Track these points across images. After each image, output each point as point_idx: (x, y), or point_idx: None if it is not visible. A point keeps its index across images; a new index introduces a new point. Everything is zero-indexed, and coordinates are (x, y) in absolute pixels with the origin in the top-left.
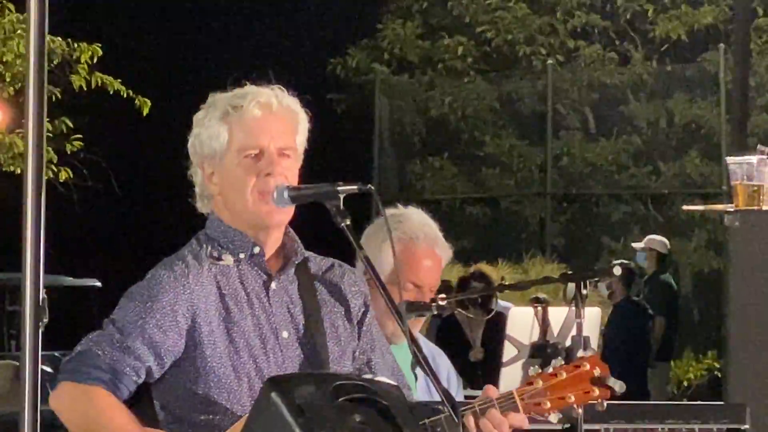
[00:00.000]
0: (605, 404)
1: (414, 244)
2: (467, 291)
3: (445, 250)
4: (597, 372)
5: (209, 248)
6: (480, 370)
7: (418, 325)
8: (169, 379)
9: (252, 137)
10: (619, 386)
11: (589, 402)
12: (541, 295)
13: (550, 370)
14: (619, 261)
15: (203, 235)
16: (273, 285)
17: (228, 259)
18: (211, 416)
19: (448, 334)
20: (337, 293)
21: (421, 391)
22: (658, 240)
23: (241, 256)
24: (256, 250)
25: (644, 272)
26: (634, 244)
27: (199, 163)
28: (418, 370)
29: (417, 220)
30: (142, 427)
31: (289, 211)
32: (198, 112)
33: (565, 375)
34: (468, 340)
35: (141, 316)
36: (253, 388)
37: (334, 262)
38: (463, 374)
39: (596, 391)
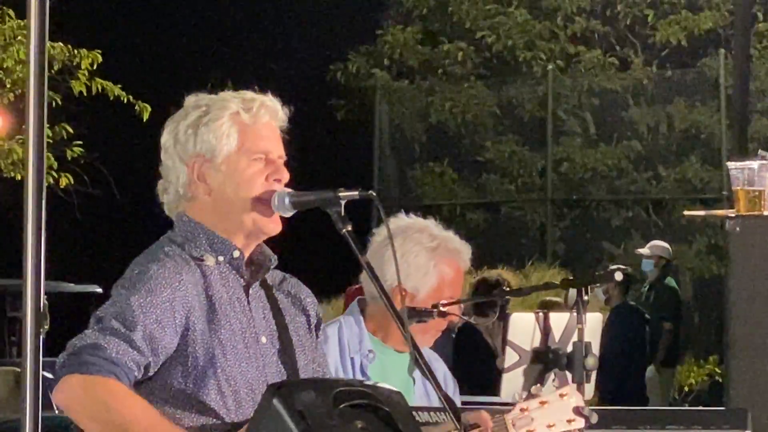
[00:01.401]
0: None
1: (459, 262)
2: (472, 296)
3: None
4: (575, 401)
5: (188, 249)
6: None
7: (430, 339)
8: (158, 377)
9: (262, 142)
10: (594, 417)
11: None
12: (555, 298)
13: (541, 398)
14: (616, 266)
15: (176, 237)
16: (251, 290)
17: (210, 260)
18: (196, 416)
19: (468, 342)
20: (296, 303)
21: (418, 395)
22: (662, 246)
23: (220, 258)
24: (236, 254)
25: (645, 277)
26: (640, 250)
27: (187, 161)
28: (416, 375)
29: (454, 236)
30: (161, 415)
31: (281, 222)
32: (189, 111)
33: (551, 404)
34: (491, 347)
35: (142, 311)
36: (238, 392)
37: (284, 274)
38: (490, 382)
39: (576, 421)
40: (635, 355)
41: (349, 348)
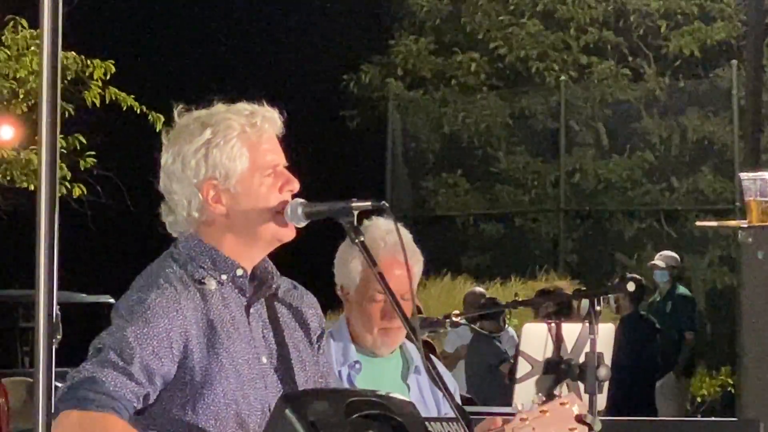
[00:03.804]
0: None
1: (375, 252)
2: (479, 307)
3: (412, 254)
4: (577, 409)
5: (190, 269)
6: None
7: (402, 336)
8: (157, 404)
9: (269, 156)
10: (598, 425)
11: None
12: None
13: (542, 407)
14: (629, 276)
15: (179, 256)
16: (252, 309)
17: (211, 284)
18: None
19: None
20: (297, 315)
21: (414, 401)
22: (672, 255)
23: (224, 278)
24: (240, 272)
25: (657, 288)
26: (654, 262)
27: (200, 186)
28: (410, 380)
29: (380, 228)
30: None
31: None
32: (192, 132)
33: (551, 412)
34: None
35: (138, 343)
36: (239, 414)
37: (292, 282)
38: None
39: (578, 429)
40: (644, 365)
41: (335, 361)
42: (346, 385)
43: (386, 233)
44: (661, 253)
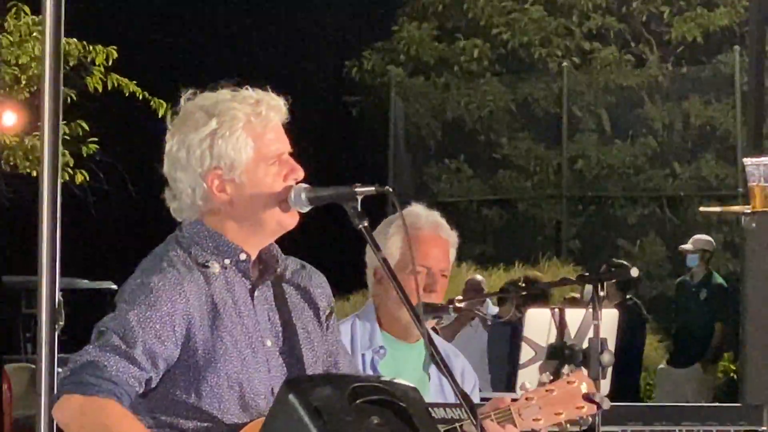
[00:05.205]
0: (590, 419)
1: (418, 229)
2: (485, 294)
3: (450, 234)
4: (584, 388)
5: (194, 253)
6: None
7: (431, 323)
8: (160, 387)
9: (274, 145)
10: (606, 403)
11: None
12: (574, 294)
13: (548, 386)
14: (617, 262)
15: (183, 240)
16: (256, 293)
17: (215, 267)
18: (199, 423)
19: None
20: (306, 296)
21: (434, 390)
22: (705, 239)
23: (227, 262)
24: (243, 256)
25: (693, 275)
26: (683, 247)
27: (205, 175)
28: (431, 370)
29: (419, 210)
30: None
31: (298, 216)
32: (197, 121)
33: (558, 391)
34: None
35: (141, 326)
36: (243, 397)
37: (300, 262)
38: None
39: (586, 407)
40: (629, 354)
41: (360, 345)
42: (368, 370)
43: (426, 214)
44: (694, 237)
